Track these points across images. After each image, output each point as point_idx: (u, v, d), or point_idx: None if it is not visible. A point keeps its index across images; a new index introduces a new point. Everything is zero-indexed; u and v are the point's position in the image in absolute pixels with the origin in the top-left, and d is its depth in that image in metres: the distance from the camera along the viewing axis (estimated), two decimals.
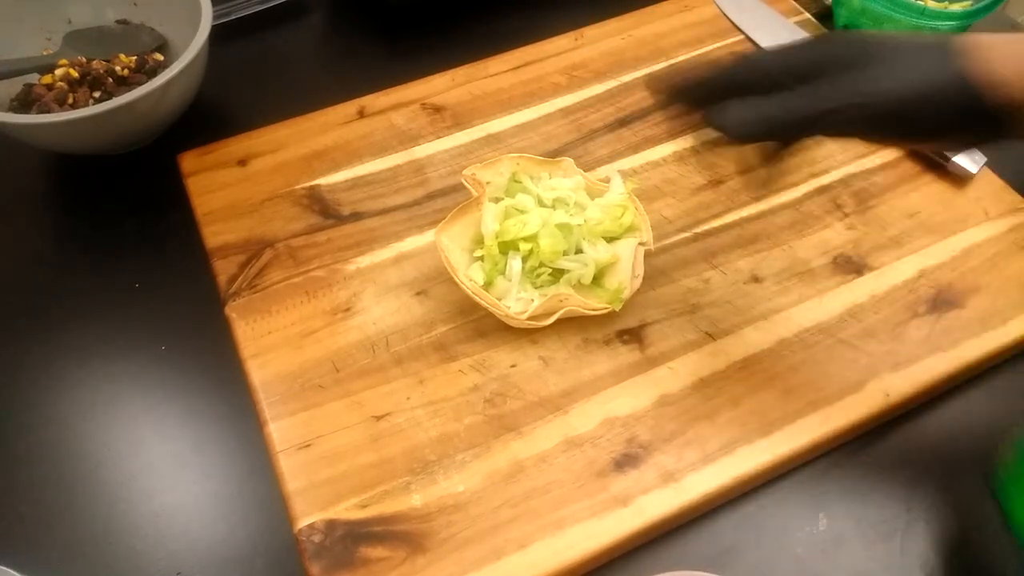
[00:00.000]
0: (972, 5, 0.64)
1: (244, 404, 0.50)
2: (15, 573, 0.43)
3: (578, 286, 0.51)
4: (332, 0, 0.77)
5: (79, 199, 0.63)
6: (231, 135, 0.62)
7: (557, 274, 0.51)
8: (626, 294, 0.51)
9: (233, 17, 0.72)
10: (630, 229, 0.53)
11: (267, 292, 0.54)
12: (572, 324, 0.52)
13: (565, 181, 0.55)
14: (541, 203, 0.53)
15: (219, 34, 0.62)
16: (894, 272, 0.55)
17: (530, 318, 0.50)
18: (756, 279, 0.54)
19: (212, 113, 0.66)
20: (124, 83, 0.63)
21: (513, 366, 0.50)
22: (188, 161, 0.61)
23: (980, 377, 0.52)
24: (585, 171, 0.56)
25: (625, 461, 0.47)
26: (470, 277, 0.51)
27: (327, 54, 0.74)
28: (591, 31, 0.70)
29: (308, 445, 0.47)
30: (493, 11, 0.74)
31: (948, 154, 0.58)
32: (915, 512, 0.47)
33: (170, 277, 0.57)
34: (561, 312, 0.50)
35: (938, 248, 0.56)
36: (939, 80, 0.37)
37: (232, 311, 0.53)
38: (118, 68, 0.63)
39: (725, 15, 0.71)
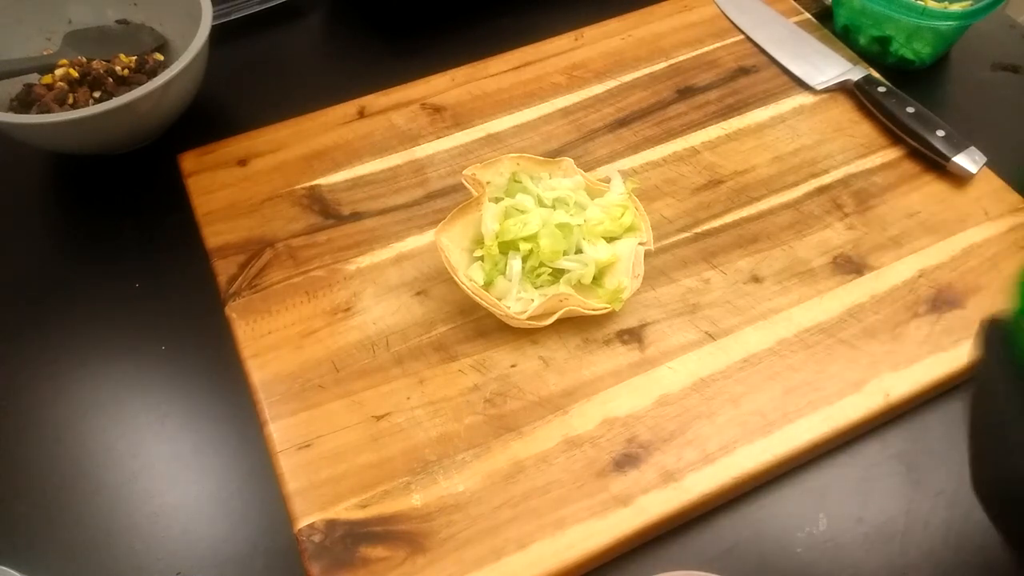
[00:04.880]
0: (972, 5, 0.64)
1: (244, 404, 0.50)
2: (15, 573, 0.43)
3: (578, 286, 0.51)
4: (332, 0, 0.77)
5: (79, 199, 0.63)
6: (231, 135, 0.62)
7: (557, 274, 0.51)
8: (626, 294, 0.51)
9: (233, 17, 0.72)
10: (630, 229, 0.53)
11: (267, 292, 0.54)
12: (572, 324, 0.52)
13: (565, 181, 0.55)
14: (541, 203, 0.53)
15: (219, 34, 0.62)
16: (894, 272, 0.55)
17: (530, 318, 0.50)
18: (756, 279, 0.54)
19: (212, 113, 0.67)
20: (124, 83, 0.63)
21: (513, 366, 0.50)
22: (188, 161, 0.61)
23: None
24: (585, 171, 0.56)
25: (625, 461, 0.47)
26: (470, 277, 0.51)
27: (327, 54, 0.74)
28: (591, 31, 0.70)
29: (308, 445, 0.47)
30: (493, 11, 0.74)
31: (948, 154, 0.58)
32: (915, 512, 0.47)
33: (170, 277, 0.57)
34: (561, 312, 0.50)
35: (938, 248, 0.56)
36: None
37: (232, 311, 0.53)
38: (118, 68, 0.63)
39: (725, 15, 0.71)
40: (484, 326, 0.52)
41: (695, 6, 0.72)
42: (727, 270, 0.55)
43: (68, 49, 0.65)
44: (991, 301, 0.53)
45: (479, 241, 0.52)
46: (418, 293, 0.54)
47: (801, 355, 0.51)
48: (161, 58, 0.66)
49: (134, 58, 0.65)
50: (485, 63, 0.67)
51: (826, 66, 0.66)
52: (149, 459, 0.50)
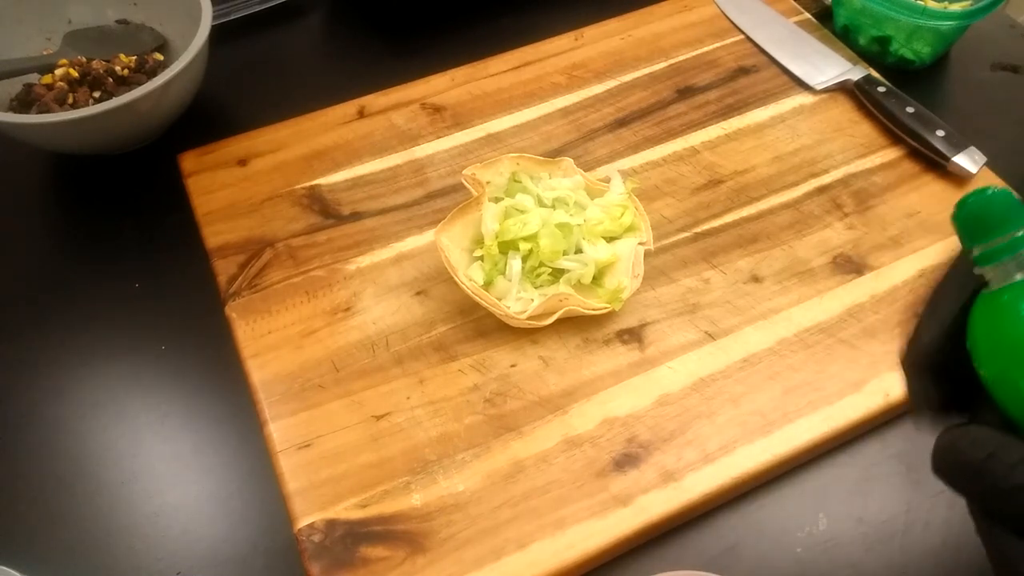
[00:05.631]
0: (972, 5, 0.64)
1: (244, 404, 0.50)
2: (15, 573, 0.43)
3: (578, 286, 0.51)
4: (332, 0, 0.77)
5: (79, 199, 0.63)
6: (231, 135, 0.62)
7: (557, 274, 0.51)
8: (626, 294, 0.51)
9: (233, 17, 0.72)
10: (630, 229, 0.53)
11: (267, 292, 0.54)
12: (572, 324, 0.52)
13: (565, 181, 0.55)
14: (541, 203, 0.53)
15: (219, 34, 0.63)
16: (894, 272, 0.55)
17: (530, 318, 0.50)
18: (756, 279, 0.54)
19: (212, 113, 0.67)
20: (124, 83, 0.63)
21: (513, 366, 0.50)
22: (188, 161, 0.61)
23: None
24: (585, 171, 0.56)
25: (625, 461, 0.47)
26: (470, 277, 0.51)
27: (327, 54, 0.74)
28: (591, 31, 0.70)
29: (308, 445, 0.47)
30: (493, 11, 0.74)
31: (948, 154, 0.58)
32: (915, 512, 0.47)
33: (170, 277, 0.57)
34: (561, 312, 0.50)
35: (938, 248, 0.56)
36: None
37: (232, 311, 0.53)
38: (118, 68, 0.63)
39: (725, 15, 0.71)
40: (484, 326, 0.52)
41: (695, 6, 0.72)
42: (727, 270, 0.55)
43: (68, 49, 0.65)
44: None
45: (479, 241, 0.52)
46: (418, 293, 0.54)
47: (801, 355, 0.51)
48: (161, 58, 0.66)
49: (134, 58, 0.65)
50: (485, 63, 0.67)
51: (826, 66, 0.66)
52: (149, 459, 0.50)
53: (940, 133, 0.59)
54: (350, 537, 0.44)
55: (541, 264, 0.51)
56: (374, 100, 0.65)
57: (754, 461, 0.47)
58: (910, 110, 0.61)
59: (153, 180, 0.62)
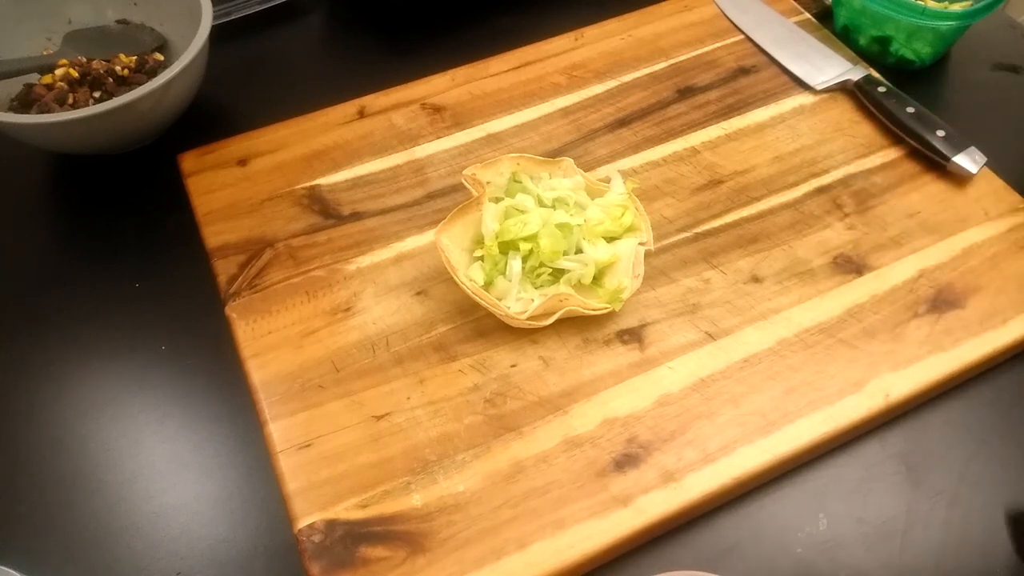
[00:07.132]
0: (972, 5, 0.64)
1: (244, 404, 0.50)
2: (15, 573, 0.43)
3: (578, 286, 0.51)
4: (332, 0, 0.77)
5: (79, 199, 0.63)
6: (231, 135, 0.62)
7: (557, 274, 0.51)
8: (626, 294, 0.51)
9: (233, 17, 0.73)
10: (630, 229, 0.53)
11: (267, 292, 0.54)
12: (572, 324, 0.52)
13: (565, 181, 0.55)
14: (541, 203, 0.53)
15: (219, 34, 0.63)
16: (894, 272, 0.55)
17: (530, 318, 0.50)
18: (756, 279, 0.54)
19: (212, 113, 0.67)
20: (124, 83, 0.63)
21: (513, 366, 0.50)
22: (188, 161, 0.61)
23: (980, 377, 0.52)
24: (585, 171, 0.56)
25: (625, 461, 0.47)
26: (470, 277, 0.51)
27: (327, 54, 0.74)
28: (591, 31, 0.70)
29: (308, 445, 0.47)
30: (493, 11, 0.74)
31: (948, 154, 0.58)
32: (915, 512, 0.47)
33: (170, 277, 0.57)
34: (561, 312, 0.50)
35: (938, 248, 0.56)
36: None
37: (232, 311, 0.53)
38: (118, 68, 0.63)
39: (725, 15, 0.71)
40: (484, 326, 0.52)
41: (695, 6, 0.72)
42: (727, 270, 0.55)
43: (68, 49, 0.65)
44: (991, 301, 0.53)
45: (479, 241, 0.52)
46: (418, 293, 0.54)
47: (801, 355, 0.51)
48: (161, 58, 0.66)
49: (134, 58, 0.65)
50: (485, 63, 0.67)
51: (826, 66, 0.66)
52: (149, 459, 0.50)
53: (940, 133, 0.59)
54: (350, 537, 0.44)
55: (541, 264, 0.51)
56: (374, 100, 0.65)
57: (754, 461, 0.47)
58: (910, 110, 0.61)
59: (153, 180, 0.62)
